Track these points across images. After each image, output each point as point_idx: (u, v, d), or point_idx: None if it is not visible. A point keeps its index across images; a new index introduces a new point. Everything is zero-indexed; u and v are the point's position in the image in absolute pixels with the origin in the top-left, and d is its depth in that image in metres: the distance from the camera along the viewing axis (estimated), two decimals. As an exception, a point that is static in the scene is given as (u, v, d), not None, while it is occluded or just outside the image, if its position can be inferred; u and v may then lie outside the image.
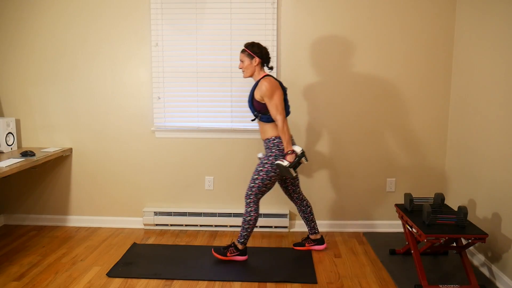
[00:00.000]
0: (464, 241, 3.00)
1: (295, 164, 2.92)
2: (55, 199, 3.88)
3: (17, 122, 3.78)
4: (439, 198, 3.04)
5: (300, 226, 3.78)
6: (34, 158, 3.28)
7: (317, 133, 3.69)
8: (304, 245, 3.36)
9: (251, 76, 3.05)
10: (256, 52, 2.99)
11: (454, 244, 2.95)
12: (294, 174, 2.91)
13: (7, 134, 3.55)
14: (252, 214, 3.08)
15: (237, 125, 3.69)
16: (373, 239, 3.58)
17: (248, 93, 3.62)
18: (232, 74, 3.63)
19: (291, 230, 3.79)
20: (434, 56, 3.56)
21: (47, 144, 3.80)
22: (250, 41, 3.04)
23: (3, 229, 3.79)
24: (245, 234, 3.11)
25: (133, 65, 3.67)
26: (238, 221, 3.75)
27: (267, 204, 3.77)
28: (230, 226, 3.78)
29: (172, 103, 3.70)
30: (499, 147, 2.84)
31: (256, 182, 3.05)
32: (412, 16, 3.52)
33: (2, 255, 3.24)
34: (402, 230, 3.70)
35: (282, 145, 2.98)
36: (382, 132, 3.67)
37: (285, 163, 2.87)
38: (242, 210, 3.76)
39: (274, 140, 3.01)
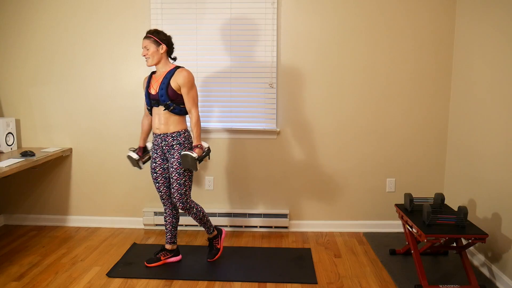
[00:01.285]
0: (464, 241, 3.00)
1: (201, 159, 2.86)
2: (55, 199, 3.88)
3: (17, 122, 3.78)
4: (439, 198, 3.04)
5: (300, 226, 3.79)
6: (34, 158, 3.28)
7: (316, 132, 3.69)
8: (159, 259, 3.09)
9: (156, 64, 2.90)
10: (163, 39, 2.88)
11: (454, 244, 2.95)
12: (198, 169, 2.80)
13: (7, 134, 3.55)
14: (199, 209, 3.04)
15: (237, 125, 3.69)
16: (373, 239, 3.58)
17: (247, 93, 3.63)
18: (231, 74, 3.63)
19: (291, 230, 3.79)
20: (434, 56, 3.56)
21: (47, 144, 3.80)
22: (152, 29, 2.90)
23: (3, 229, 3.79)
24: (209, 225, 3.13)
25: (133, 65, 3.67)
26: (238, 221, 3.75)
27: (267, 204, 3.78)
28: (230, 226, 3.78)
29: (172, 103, 3.69)
30: (499, 147, 2.84)
31: (186, 183, 2.94)
32: (412, 16, 3.52)
33: (2, 255, 3.24)
34: (402, 230, 3.70)
35: (191, 139, 2.95)
36: (382, 132, 3.67)
37: (194, 154, 2.78)
38: (242, 210, 3.76)
39: (184, 133, 2.93)
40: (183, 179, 2.91)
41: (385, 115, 3.65)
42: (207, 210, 3.76)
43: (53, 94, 3.73)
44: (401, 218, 3.03)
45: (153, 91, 2.92)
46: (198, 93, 3.66)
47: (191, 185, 2.98)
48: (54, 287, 2.76)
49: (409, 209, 3.02)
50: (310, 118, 3.67)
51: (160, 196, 3.08)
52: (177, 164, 2.89)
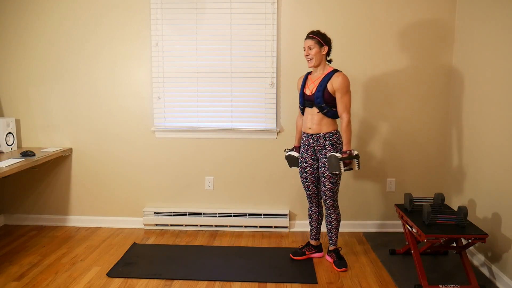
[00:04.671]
0: (464, 241, 3.00)
1: (347, 163, 2.83)
2: (55, 199, 3.88)
3: (17, 122, 3.78)
4: (439, 198, 3.04)
5: (300, 226, 3.79)
6: (34, 158, 3.28)
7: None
8: (304, 254, 3.21)
9: (318, 65, 2.94)
10: (327, 41, 2.92)
11: (454, 244, 2.95)
12: (343, 170, 2.81)
13: (7, 134, 3.55)
14: (340, 215, 3.10)
15: (237, 125, 3.69)
16: (373, 239, 3.58)
17: (248, 93, 3.63)
18: (232, 74, 3.63)
19: (291, 230, 3.79)
20: (434, 56, 3.56)
21: (47, 144, 3.80)
22: (315, 30, 2.95)
23: (3, 229, 3.79)
24: (337, 236, 3.14)
25: (133, 65, 3.67)
26: (238, 221, 3.75)
27: (267, 204, 3.78)
28: (230, 226, 3.78)
29: (172, 103, 3.70)
30: (499, 147, 2.84)
31: (338, 183, 2.99)
32: (412, 16, 3.52)
33: (2, 255, 3.24)
34: (402, 230, 3.70)
35: (341, 140, 2.96)
36: (382, 132, 3.67)
37: (338, 155, 2.81)
38: (242, 210, 3.76)
39: (336, 134, 2.96)
40: (335, 178, 2.97)
41: (385, 115, 3.65)
42: (207, 210, 3.77)
43: (53, 94, 3.73)
44: (401, 218, 3.03)
45: (308, 91, 2.97)
46: (198, 93, 3.67)
47: (339, 186, 3.05)
48: (54, 287, 2.76)
49: (409, 209, 3.02)
50: (310, 118, 3.67)
51: (308, 195, 3.14)
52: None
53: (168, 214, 3.78)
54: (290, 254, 3.21)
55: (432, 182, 3.71)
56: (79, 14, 3.62)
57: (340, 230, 3.78)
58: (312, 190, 3.11)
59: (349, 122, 2.88)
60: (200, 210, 3.77)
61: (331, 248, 3.16)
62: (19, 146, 3.81)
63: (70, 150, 3.80)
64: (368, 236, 3.65)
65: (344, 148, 2.90)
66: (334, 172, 2.89)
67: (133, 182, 3.82)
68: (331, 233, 3.12)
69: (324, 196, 3.01)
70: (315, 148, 2.99)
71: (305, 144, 3.05)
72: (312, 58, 2.91)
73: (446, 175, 3.66)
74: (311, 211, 3.19)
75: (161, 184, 3.81)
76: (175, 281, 2.86)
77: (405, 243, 3.42)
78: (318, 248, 3.25)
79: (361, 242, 3.55)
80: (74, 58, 3.68)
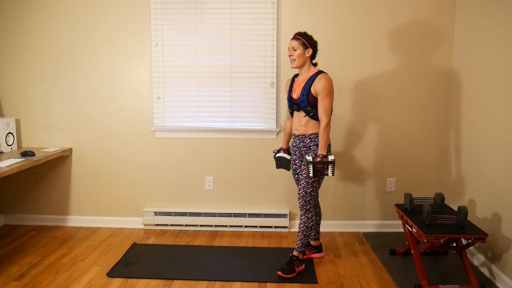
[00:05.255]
0: (464, 241, 3.00)
1: (320, 167, 2.74)
2: (55, 199, 3.87)
3: (17, 122, 3.78)
4: (439, 198, 3.04)
5: (300, 226, 3.78)
6: (34, 158, 3.28)
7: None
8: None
9: (300, 67, 2.90)
10: (312, 43, 2.88)
11: (454, 244, 2.95)
12: (311, 174, 2.74)
13: (7, 134, 3.55)
14: (312, 220, 2.99)
15: (237, 125, 3.69)
16: (373, 239, 3.58)
17: (248, 93, 3.63)
18: (232, 74, 3.63)
19: (291, 230, 3.79)
20: (433, 56, 3.56)
21: (47, 144, 3.80)
22: (301, 31, 2.91)
23: (3, 229, 3.79)
24: (305, 244, 3.00)
25: (133, 65, 3.67)
26: (238, 221, 3.75)
27: (267, 204, 3.78)
28: (230, 226, 3.78)
29: (172, 103, 3.70)
30: (499, 147, 2.84)
31: (314, 184, 2.91)
32: (412, 16, 3.52)
33: (2, 255, 3.24)
34: (402, 230, 3.70)
35: (328, 142, 2.85)
36: (382, 132, 3.67)
37: (309, 158, 2.74)
38: (242, 210, 3.76)
39: (317, 136, 2.88)
40: (312, 179, 2.89)
41: (386, 115, 3.65)
42: (207, 210, 3.77)
43: (53, 94, 3.73)
44: (401, 218, 3.03)
45: (294, 95, 2.94)
46: (198, 93, 3.67)
47: (317, 188, 2.97)
48: (54, 287, 2.76)
49: (409, 209, 3.02)
50: (310, 118, 3.67)
51: None
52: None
53: (168, 214, 3.78)
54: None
55: (432, 182, 3.71)
56: (79, 14, 3.62)
57: (340, 230, 3.78)
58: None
59: (327, 126, 2.80)
60: (200, 210, 3.77)
61: (293, 252, 2.98)
62: (19, 146, 3.81)
63: (70, 150, 3.80)
64: (368, 236, 3.65)
65: (319, 152, 2.80)
66: (306, 176, 2.83)
67: (133, 182, 3.82)
68: (298, 236, 2.98)
69: (298, 195, 2.94)
70: (302, 149, 2.97)
71: (294, 146, 3.04)
72: (295, 60, 2.87)
73: (446, 175, 3.66)
74: None
75: (161, 184, 3.81)
76: (175, 281, 2.86)
77: (405, 243, 3.42)
78: (319, 248, 3.24)
79: (361, 242, 3.54)
80: (74, 58, 3.68)
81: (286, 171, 3.60)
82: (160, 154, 3.77)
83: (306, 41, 2.86)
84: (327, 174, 2.78)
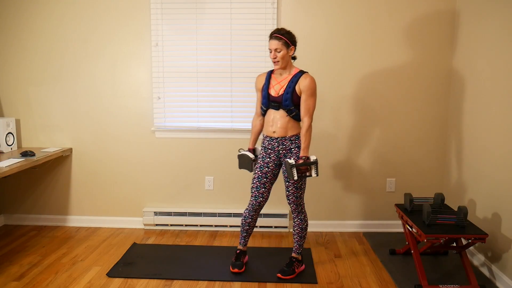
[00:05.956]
0: (464, 241, 3.00)
1: (303, 169, 2.70)
2: (55, 199, 3.87)
3: (17, 122, 3.78)
4: (439, 198, 3.04)
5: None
6: (34, 158, 3.28)
7: (316, 133, 3.68)
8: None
9: (285, 67, 2.78)
10: (294, 40, 2.75)
11: (454, 244, 2.95)
12: (296, 178, 2.68)
13: (7, 134, 3.55)
14: (307, 221, 2.96)
15: (237, 125, 3.69)
16: (373, 239, 3.58)
17: (248, 93, 3.62)
18: (232, 74, 3.63)
19: (291, 230, 3.79)
20: (434, 56, 3.56)
21: (47, 144, 3.80)
22: (280, 28, 2.76)
23: (3, 229, 3.79)
24: (302, 245, 2.97)
25: (133, 65, 3.67)
26: (238, 221, 3.74)
27: (267, 204, 3.77)
28: (230, 226, 3.78)
29: (172, 103, 3.70)
30: (499, 147, 2.84)
31: (303, 187, 2.85)
32: (412, 17, 3.52)
33: (2, 255, 3.24)
34: (402, 230, 3.70)
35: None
36: (382, 132, 3.67)
37: (291, 161, 2.68)
38: (242, 210, 3.75)
39: (299, 137, 2.82)
40: (300, 183, 2.82)
41: (386, 115, 3.65)
42: (207, 210, 3.76)
43: (53, 94, 3.73)
44: (401, 218, 3.03)
45: (273, 92, 2.81)
46: (198, 93, 3.67)
47: (304, 189, 2.89)
48: (54, 287, 2.76)
49: (409, 209, 3.02)
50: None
51: (258, 202, 2.92)
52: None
53: (168, 214, 3.78)
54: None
55: (432, 182, 3.71)
56: (79, 14, 3.62)
57: (340, 230, 3.78)
58: (265, 197, 2.92)
59: (310, 127, 2.75)
60: (200, 210, 3.77)
61: (292, 254, 2.97)
62: (19, 146, 3.81)
63: (70, 150, 3.80)
64: (368, 236, 3.65)
65: (301, 154, 2.74)
66: (291, 180, 2.73)
67: (133, 182, 3.82)
68: (294, 238, 2.96)
69: (288, 200, 2.88)
70: (280, 152, 2.85)
71: (268, 148, 2.88)
72: (279, 61, 2.73)
73: (446, 175, 3.66)
74: (251, 219, 2.96)
75: (161, 184, 3.81)
76: (175, 281, 2.86)
77: (405, 243, 3.42)
78: (245, 253, 3.08)
79: (361, 242, 3.54)
80: (74, 58, 3.68)
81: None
82: (160, 154, 3.77)
83: (288, 39, 2.72)
84: (311, 175, 2.73)
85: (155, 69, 3.65)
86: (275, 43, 2.72)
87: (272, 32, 2.77)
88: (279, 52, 2.72)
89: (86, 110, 3.75)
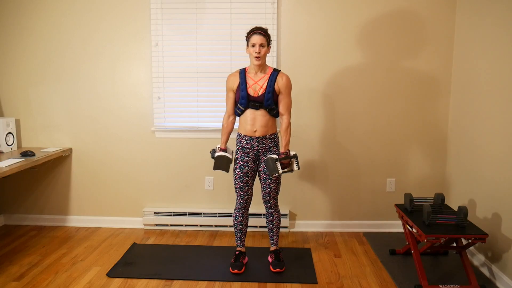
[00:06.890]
0: (464, 241, 3.00)
1: (285, 164, 2.80)
2: (55, 199, 3.87)
3: (17, 122, 3.78)
4: (439, 198, 3.04)
5: (300, 226, 3.78)
6: (34, 158, 3.28)
7: (316, 133, 3.69)
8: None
9: (263, 65, 2.84)
10: (271, 40, 2.86)
11: (454, 244, 2.95)
12: (280, 172, 2.77)
13: (7, 134, 3.55)
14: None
15: (237, 125, 3.68)
16: (373, 239, 3.58)
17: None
18: (232, 74, 3.63)
19: (291, 230, 3.79)
20: (434, 56, 3.56)
21: (47, 144, 3.80)
22: (262, 27, 2.82)
23: (3, 229, 3.79)
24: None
25: (133, 65, 3.67)
26: (238, 221, 3.74)
27: (267, 204, 3.77)
28: (230, 226, 3.78)
29: (172, 103, 3.70)
30: (499, 147, 2.84)
31: (279, 182, 2.98)
32: (412, 17, 3.52)
33: (2, 255, 3.24)
34: (402, 230, 3.70)
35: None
36: (382, 132, 3.67)
37: (274, 156, 2.78)
38: (242, 210, 3.76)
39: (277, 136, 2.96)
40: (280, 179, 2.97)
41: (386, 115, 3.65)
42: (207, 210, 3.76)
43: (53, 94, 3.73)
44: (401, 218, 3.03)
45: (252, 92, 2.83)
46: (198, 93, 3.68)
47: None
48: (54, 287, 2.76)
49: (409, 209, 3.02)
50: (309, 118, 3.67)
51: (244, 200, 3.00)
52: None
53: (168, 214, 3.78)
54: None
55: (432, 182, 3.71)
56: (79, 14, 3.62)
57: (340, 230, 3.78)
58: (250, 194, 3.00)
59: (289, 123, 2.88)
60: (200, 210, 3.77)
61: (272, 248, 3.11)
62: (19, 146, 3.81)
63: (70, 150, 3.80)
64: (368, 236, 3.65)
65: (283, 150, 2.87)
66: (273, 175, 2.80)
67: (133, 182, 3.82)
68: (272, 232, 3.07)
69: (268, 197, 2.97)
70: (260, 150, 2.91)
71: (247, 148, 2.91)
72: (261, 57, 2.77)
73: (446, 175, 3.66)
74: (243, 217, 3.03)
75: (161, 184, 3.81)
76: (175, 281, 2.86)
77: (405, 243, 3.42)
78: (245, 254, 3.13)
79: (361, 242, 3.54)
80: (74, 58, 3.68)
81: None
82: (160, 154, 3.77)
83: (269, 38, 2.81)
84: (292, 170, 2.83)
85: (155, 69, 3.65)
86: (261, 38, 2.75)
87: (255, 29, 2.81)
88: (263, 47, 2.77)
89: (86, 110, 3.75)
